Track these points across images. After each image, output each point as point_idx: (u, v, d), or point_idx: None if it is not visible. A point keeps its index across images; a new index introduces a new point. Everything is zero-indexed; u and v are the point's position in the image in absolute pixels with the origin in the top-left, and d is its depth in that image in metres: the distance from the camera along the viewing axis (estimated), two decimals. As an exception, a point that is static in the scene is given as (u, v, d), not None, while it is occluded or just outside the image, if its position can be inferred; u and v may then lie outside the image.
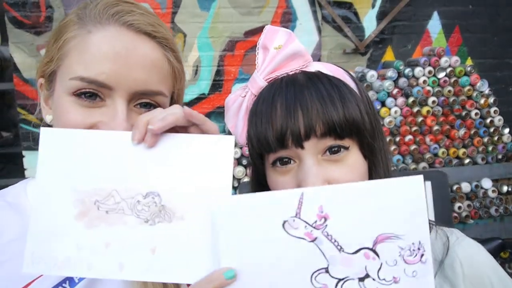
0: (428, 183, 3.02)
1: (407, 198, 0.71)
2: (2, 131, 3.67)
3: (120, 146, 0.74)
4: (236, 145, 2.99)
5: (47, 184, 0.74)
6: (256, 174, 0.94)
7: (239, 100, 0.93)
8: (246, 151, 3.17)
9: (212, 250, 0.73)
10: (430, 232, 0.87)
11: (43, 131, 0.74)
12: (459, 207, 3.47)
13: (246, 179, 3.18)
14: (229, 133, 0.94)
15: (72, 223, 0.73)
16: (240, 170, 3.18)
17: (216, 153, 0.75)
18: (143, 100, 0.85)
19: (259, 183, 0.93)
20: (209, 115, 3.66)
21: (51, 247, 0.73)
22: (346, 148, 0.82)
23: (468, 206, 3.49)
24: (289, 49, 0.87)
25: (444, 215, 3.13)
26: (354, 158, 0.83)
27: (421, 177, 0.71)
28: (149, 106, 0.86)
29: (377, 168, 0.87)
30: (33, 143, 3.22)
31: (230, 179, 0.75)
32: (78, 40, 0.83)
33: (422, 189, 0.71)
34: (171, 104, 0.93)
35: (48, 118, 0.91)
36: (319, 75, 0.86)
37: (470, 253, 0.87)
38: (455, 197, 3.48)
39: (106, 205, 0.74)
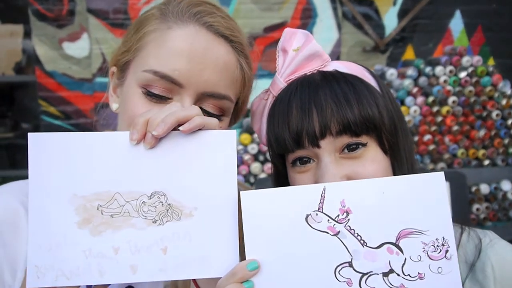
0: (447, 184, 2.97)
1: (429, 194, 0.72)
2: (23, 123, 3.73)
3: (118, 147, 0.73)
4: (253, 141, 2.98)
5: (43, 193, 0.71)
6: (277, 175, 0.95)
7: (262, 103, 0.95)
8: (263, 147, 3.18)
9: (231, 243, 0.74)
10: (462, 233, 0.88)
11: (31, 137, 0.71)
12: (477, 209, 3.42)
13: (263, 175, 3.18)
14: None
15: (76, 231, 0.71)
16: (257, 166, 3.18)
17: (219, 148, 0.74)
18: (209, 104, 0.85)
19: (281, 185, 0.93)
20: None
21: (56, 258, 0.71)
22: (364, 145, 0.82)
23: (487, 208, 3.43)
24: (307, 50, 0.89)
25: (462, 217, 3.09)
26: (373, 153, 0.83)
27: (442, 173, 0.73)
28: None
29: (400, 165, 0.87)
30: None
31: (235, 172, 0.75)
32: (157, 34, 0.85)
33: (444, 185, 0.72)
34: (235, 110, 0.95)
35: (114, 106, 0.93)
36: (335, 74, 0.87)
37: (503, 256, 0.84)
38: (473, 198, 3.42)
39: (110, 209, 0.72)
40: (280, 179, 0.93)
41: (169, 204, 0.73)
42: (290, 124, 0.83)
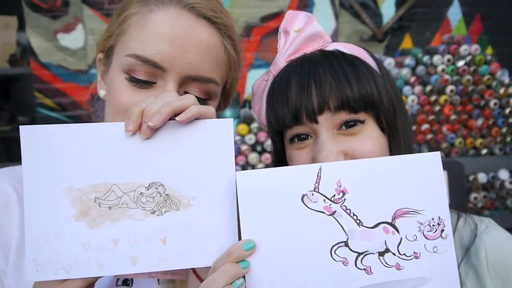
0: (444, 173, 2.98)
1: (425, 173, 0.72)
2: (19, 115, 3.72)
3: (114, 138, 0.72)
4: (250, 131, 2.97)
5: (38, 187, 0.70)
6: (276, 152, 0.96)
7: (262, 84, 0.96)
8: (260, 137, 3.18)
9: (230, 231, 0.74)
10: (459, 219, 0.89)
11: (23, 130, 0.70)
12: (475, 198, 3.42)
13: (261, 166, 3.17)
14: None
15: (73, 224, 0.71)
16: (254, 156, 3.18)
17: (215, 137, 0.74)
18: (194, 88, 0.84)
19: (280, 162, 0.94)
20: (224, 101, 3.65)
21: (55, 252, 0.70)
22: (362, 122, 0.82)
23: (484, 197, 3.44)
24: (308, 30, 0.89)
25: (459, 205, 3.09)
26: (370, 130, 0.83)
27: (439, 153, 0.73)
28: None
29: (397, 145, 0.87)
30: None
31: (233, 161, 0.74)
32: (138, 17, 0.83)
33: (440, 165, 0.73)
34: (223, 94, 0.94)
35: (101, 92, 0.92)
36: (335, 53, 0.87)
37: (497, 241, 0.84)
38: (471, 187, 3.43)
39: (107, 201, 0.72)
40: (279, 156, 0.94)
41: (167, 195, 0.73)
42: (289, 100, 0.84)
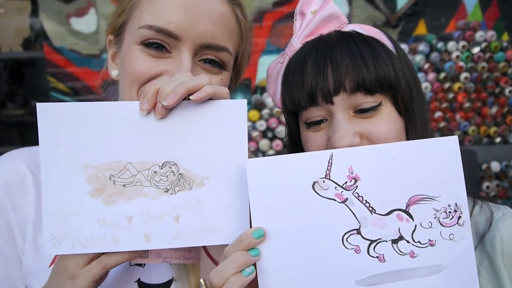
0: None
1: (442, 159, 0.70)
2: (32, 100, 3.74)
3: (129, 116, 0.72)
4: (261, 117, 2.95)
5: (55, 164, 0.72)
6: (290, 133, 0.95)
7: (278, 67, 0.95)
8: (271, 123, 3.16)
9: (242, 211, 0.74)
10: (474, 206, 0.87)
11: (40, 107, 0.70)
12: (488, 187, 3.39)
13: (271, 152, 3.17)
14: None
15: (89, 201, 0.72)
16: (265, 143, 3.17)
17: (229, 117, 0.74)
18: (208, 56, 0.85)
19: (294, 143, 0.94)
20: (236, 87, 3.64)
21: (71, 227, 0.72)
22: (378, 104, 0.81)
23: (497, 186, 3.41)
24: (324, 11, 0.88)
25: (471, 194, 3.06)
26: (387, 112, 0.82)
27: (456, 137, 0.70)
28: (213, 63, 0.86)
29: (414, 127, 0.86)
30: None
31: (245, 142, 0.75)
32: None
33: (458, 150, 0.70)
34: (234, 66, 0.94)
35: (114, 73, 0.92)
36: (352, 34, 0.86)
37: None
38: (484, 176, 3.40)
39: (122, 179, 0.73)
40: (293, 138, 0.93)
41: (180, 174, 0.73)
42: (305, 81, 0.83)
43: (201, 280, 0.77)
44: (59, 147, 0.72)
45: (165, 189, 0.73)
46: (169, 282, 0.88)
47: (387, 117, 0.81)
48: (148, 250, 0.78)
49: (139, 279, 0.86)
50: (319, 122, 0.84)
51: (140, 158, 0.73)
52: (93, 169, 0.72)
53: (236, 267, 0.69)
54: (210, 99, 0.73)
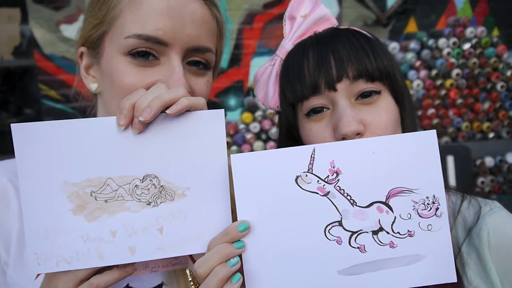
0: (451, 158, 2.97)
1: (420, 152, 0.72)
2: (25, 108, 3.74)
3: (107, 132, 0.72)
4: (255, 119, 2.95)
5: (33, 183, 0.71)
6: (287, 128, 0.95)
7: (268, 70, 0.96)
8: (265, 125, 3.17)
9: (224, 219, 0.75)
10: (463, 201, 0.89)
11: (14, 128, 0.70)
12: (482, 182, 3.41)
13: (265, 153, 3.18)
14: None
15: (72, 218, 0.72)
16: (259, 145, 3.18)
17: (207, 128, 0.74)
18: (194, 58, 0.85)
19: (291, 138, 0.94)
20: (228, 90, 3.65)
21: (55, 245, 0.72)
22: (378, 92, 0.83)
23: (492, 181, 3.42)
24: (316, 14, 0.90)
25: (463, 190, 3.07)
26: (386, 101, 0.84)
27: (434, 131, 0.72)
28: (199, 64, 0.86)
29: (408, 117, 0.89)
30: (56, 119, 3.22)
31: (225, 151, 0.75)
32: (129, 0, 0.82)
33: (435, 143, 0.72)
34: (215, 62, 0.94)
35: (93, 86, 0.90)
36: (349, 29, 0.89)
37: (500, 223, 0.84)
38: (478, 171, 3.41)
39: (103, 194, 0.73)
40: (292, 130, 0.93)
41: (161, 186, 0.74)
42: (307, 71, 0.84)
43: (187, 271, 0.77)
44: (37, 167, 0.71)
45: (147, 202, 0.74)
46: (159, 286, 0.88)
47: (387, 107, 0.83)
48: (135, 263, 0.77)
49: (128, 284, 0.86)
50: (320, 111, 0.84)
51: (120, 173, 0.73)
52: (73, 187, 0.72)
53: (220, 257, 0.70)
54: (188, 110, 0.73)
